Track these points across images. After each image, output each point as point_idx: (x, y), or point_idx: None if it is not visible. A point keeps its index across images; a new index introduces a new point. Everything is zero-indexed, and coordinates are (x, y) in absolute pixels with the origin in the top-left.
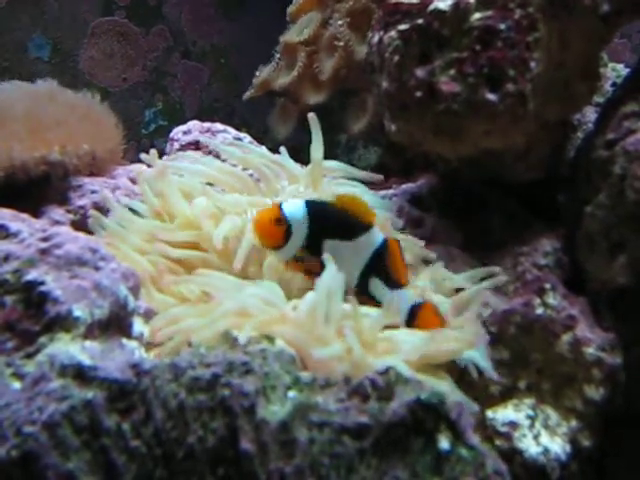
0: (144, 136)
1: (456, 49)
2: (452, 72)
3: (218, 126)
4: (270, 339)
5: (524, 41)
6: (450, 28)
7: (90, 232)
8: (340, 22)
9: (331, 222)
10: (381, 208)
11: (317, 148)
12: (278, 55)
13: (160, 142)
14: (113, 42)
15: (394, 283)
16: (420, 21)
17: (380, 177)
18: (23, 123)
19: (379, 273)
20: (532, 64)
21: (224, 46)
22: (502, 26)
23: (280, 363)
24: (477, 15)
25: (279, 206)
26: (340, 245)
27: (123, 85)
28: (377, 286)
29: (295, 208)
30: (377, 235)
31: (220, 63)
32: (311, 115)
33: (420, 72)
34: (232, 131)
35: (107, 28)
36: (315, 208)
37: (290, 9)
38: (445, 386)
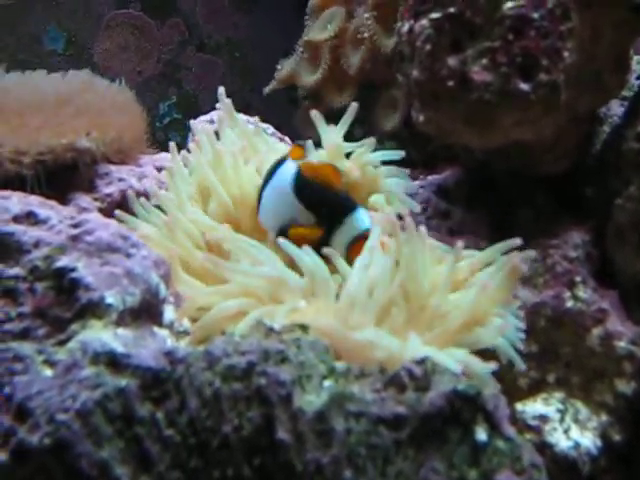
0: (158, 129)
1: (488, 38)
2: (484, 61)
3: (241, 116)
4: (303, 328)
5: (557, 30)
6: (483, 17)
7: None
8: (367, 15)
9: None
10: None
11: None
12: (301, 50)
13: (174, 135)
14: (127, 35)
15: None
16: (452, 9)
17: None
18: (53, 110)
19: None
20: (565, 54)
21: (239, 39)
22: (535, 15)
23: (315, 352)
24: (510, 4)
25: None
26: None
27: (138, 78)
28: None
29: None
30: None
31: (235, 57)
32: (314, 113)
33: (452, 61)
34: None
35: (122, 20)
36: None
37: (312, 3)
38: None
